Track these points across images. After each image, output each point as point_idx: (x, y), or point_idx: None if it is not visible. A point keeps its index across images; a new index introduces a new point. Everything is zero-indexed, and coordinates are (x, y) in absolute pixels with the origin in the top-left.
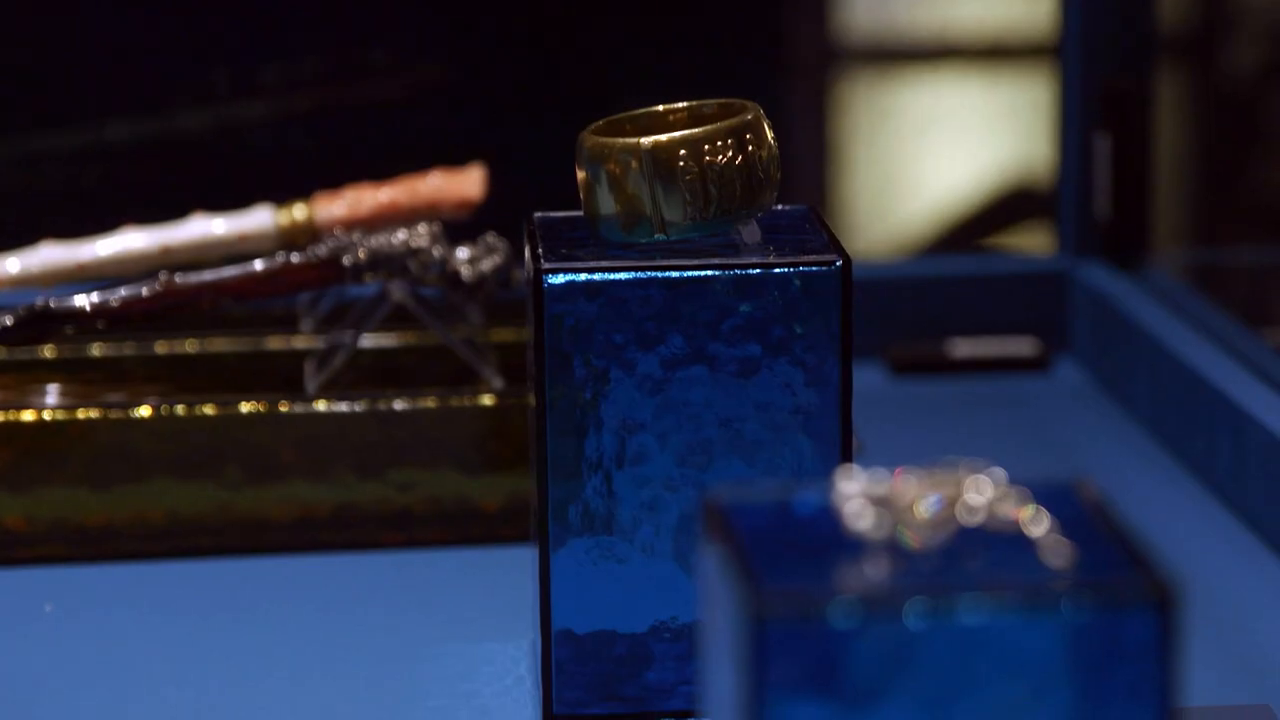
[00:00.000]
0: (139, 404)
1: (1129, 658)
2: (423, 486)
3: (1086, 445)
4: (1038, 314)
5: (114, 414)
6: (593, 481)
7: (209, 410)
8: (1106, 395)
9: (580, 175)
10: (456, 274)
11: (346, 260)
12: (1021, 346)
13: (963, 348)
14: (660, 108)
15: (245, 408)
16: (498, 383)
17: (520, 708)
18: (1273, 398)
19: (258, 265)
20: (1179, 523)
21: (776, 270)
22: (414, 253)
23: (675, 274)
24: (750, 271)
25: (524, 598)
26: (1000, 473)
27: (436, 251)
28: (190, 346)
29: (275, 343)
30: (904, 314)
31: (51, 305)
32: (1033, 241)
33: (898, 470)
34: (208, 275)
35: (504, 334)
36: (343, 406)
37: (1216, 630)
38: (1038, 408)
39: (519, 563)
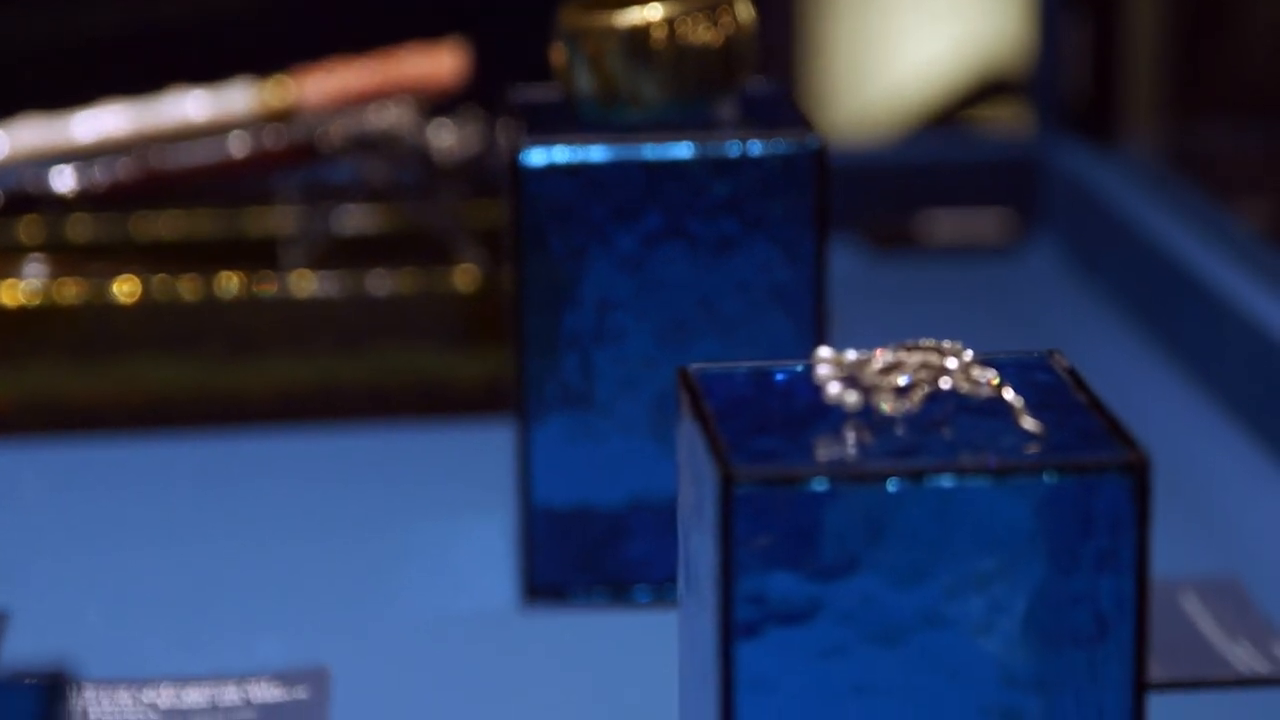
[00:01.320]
0: (119, 283)
1: (1099, 527)
2: (402, 364)
3: (1059, 322)
4: (1011, 193)
5: (94, 294)
6: (571, 358)
7: (188, 289)
8: (1080, 274)
9: (558, 54)
10: (433, 153)
11: (322, 141)
12: (995, 221)
13: (937, 223)
14: None
15: (224, 287)
16: (475, 261)
17: (498, 582)
18: (1245, 275)
19: (235, 147)
20: (1150, 397)
21: (753, 149)
22: (390, 132)
23: (653, 153)
24: (727, 150)
25: (503, 474)
26: (973, 347)
27: (413, 131)
28: (168, 227)
29: (253, 222)
30: (878, 192)
31: (29, 188)
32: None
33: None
34: (185, 157)
35: (482, 213)
36: (321, 285)
37: (1186, 501)
38: (1011, 287)
39: (498, 439)
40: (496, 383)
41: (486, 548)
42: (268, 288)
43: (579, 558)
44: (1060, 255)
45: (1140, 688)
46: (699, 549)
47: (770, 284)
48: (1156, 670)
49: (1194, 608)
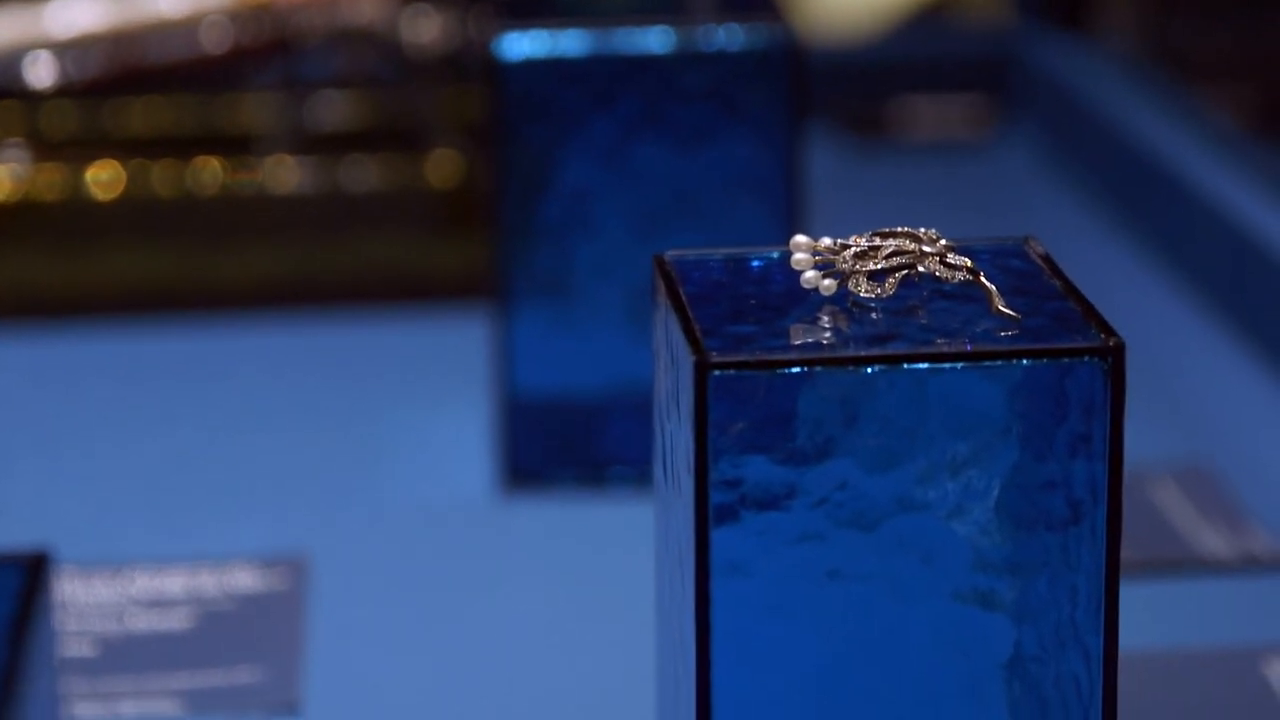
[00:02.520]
0: (96, 175)
1: (1074, 411)
2: (379, 255)
3: (1035, 213)
4: (988, 83)
5: (71, 186)
6: (548, 248)
7: (165, 181)
8: (1055, 166)
9: None
10: (409, 45)
11: (299, 33)
12: (971, 110)
13: (914, 111)
14: None
15: (202, 177)
16: (452, 152)
17: (476, 470)
18: (1219, 166)
19: (211, 40)
20: (1125, 285)
21: (729, 38)
22: (367, 24)
23: (629, 42)
24: (703, 39)
25: (481, 363)
26: (949, 235)
27: (389, 22)
28: (145, 119)
29: (229, 115)
30: (855, 83)
31: (5, 80)
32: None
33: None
34: (161, 50)
35: (458, 103)
36: (298, 177)
37: (1161, 388)
38: (987, 180)
39: (475, 329)
40: (474, 273)
41: (464, 436)
42: (245, 176)
43: (557, 445)
44: (1035, 147)
45: (1113, 572)
46: (675, 435)
47: (746, 173)
48: (1130, 555)
49: (1168, 494)
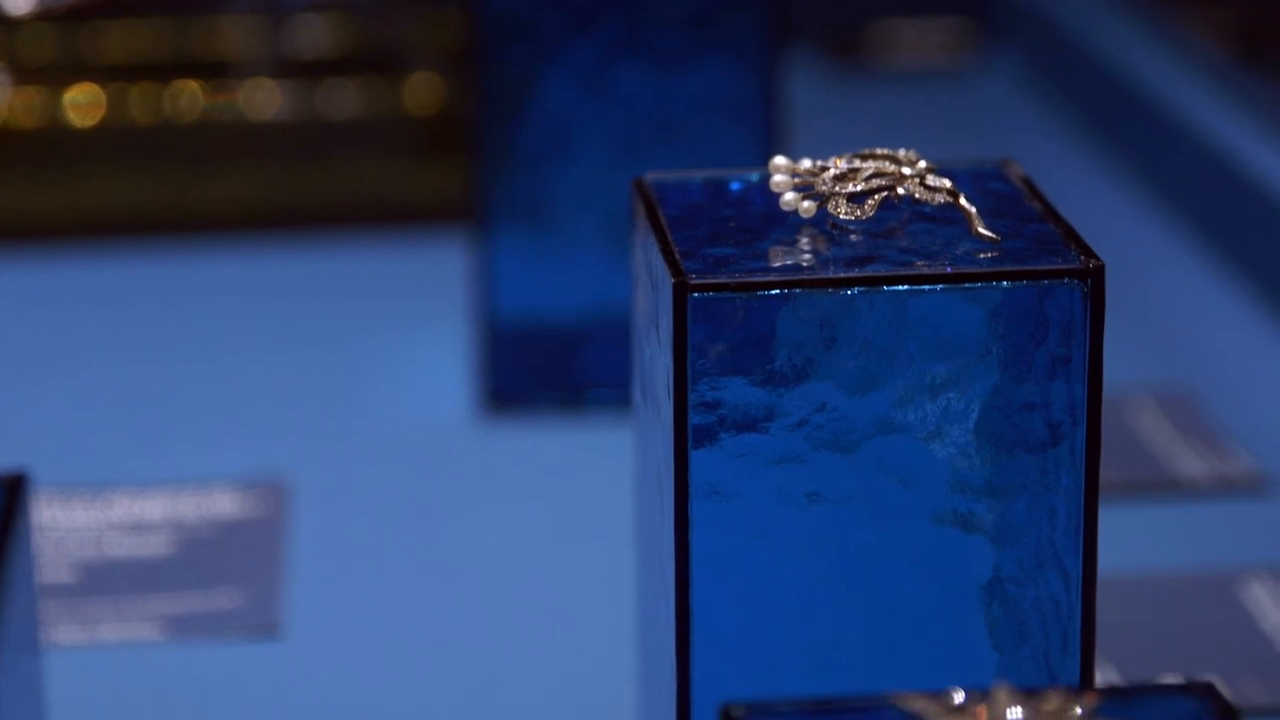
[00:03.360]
0: (75, 101)
1: (1053, 333)
2: (358, 178)
3: (1015, 139)
4: (968, 9)
5: (51, 112)
6: (527, 172)
7: (145, 106)
8: (1035, 91)
9: None
10: None
11: None
12: (952, 33)
13: (894, 34)
14: None
15: (181, 101)
16: (432, 76)
17: (455, 394)
18: (1199, 90)
19: None
20: (1104, 210)
21: None
22: None
23: None
24: None
25: (460, 288)
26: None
27: None
28: (124, 45)
29: (209, 39)
30: (832, 6)
31: None
32: None
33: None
34: None
35: (438, 27)
36: (277, 101)
37: (1142, 312)
38: (967, 103)
39: (454, 254)
40: (453, 198)
41: (443, 361)
42: (224, 98)
43: (536, 369)
44: (1016, 73)
45: (1092, 494)
46: (654, 358)
47: (726, 98)
48: (1109, 477)
49: (1148, 416)
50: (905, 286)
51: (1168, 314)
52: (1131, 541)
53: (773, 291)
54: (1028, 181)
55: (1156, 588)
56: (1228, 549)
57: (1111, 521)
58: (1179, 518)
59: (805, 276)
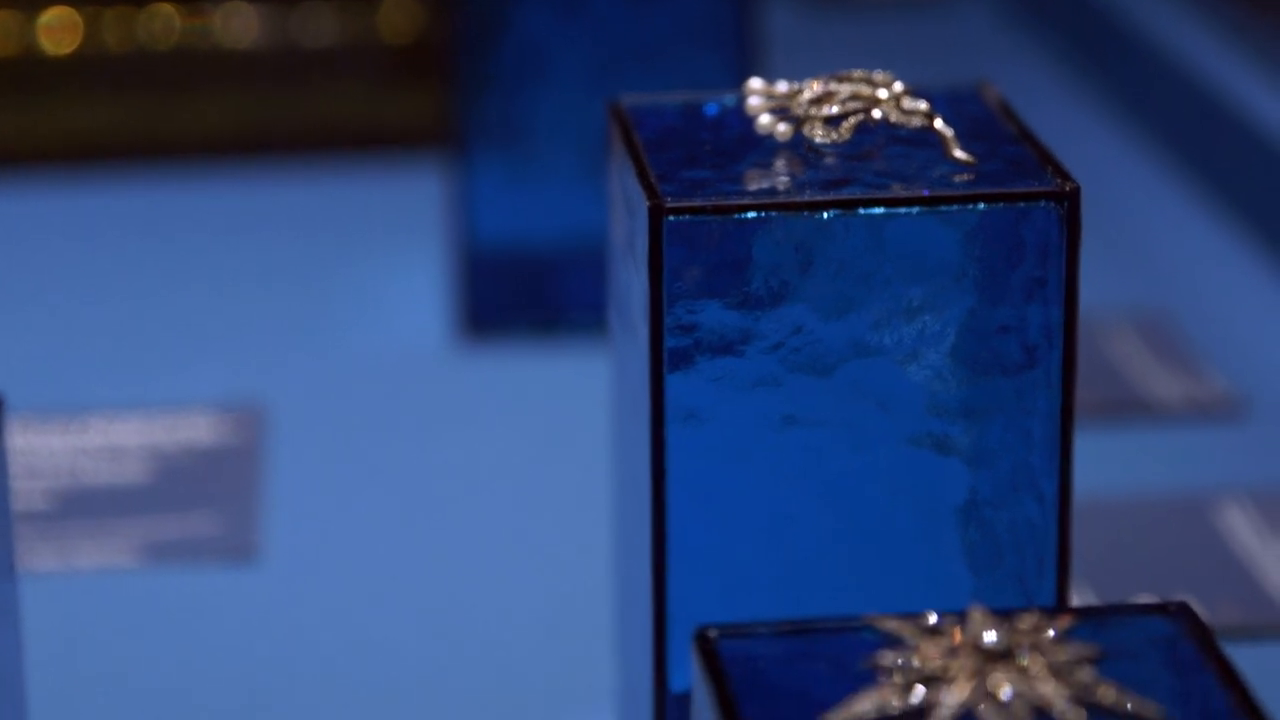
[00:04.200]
0: (49, 24)
1: (1029, 256)
2: (334, 104)
3: (995, 72)
4: None
5: (23, 37)
6: (503, 98)
7: (118, 30)
8: (1017, 26)
9: None
10: None
11: None
12: None
13: None
14: None
15: (154, 27)
16: (409, 1)
17: (432, 319)
18: (1180, 22)
19: None
20: (1084, 139)
21: None
22: None
23: None
24: None
25: (436, 214)
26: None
27: None
28: None
29: None
30: None
31: None
32: None
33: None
34: None
35: None
36: (253, 26)
37: (1118, 235)
38: (947, 36)
39: (431, 180)
40: (429, 124)
41: (421, 286)
42: (199, 23)
43: (513, 294)
44: (997, 5)
45: (1068, 417)
46: (630, 282)
47: (703, 24)
48: (1085, 400)
49: (1124, 339)
50: (881, 209)
51: (1144, 238)
52: (1107, 465)
53: (748, 215)
54: (1004, 105)
55: (1132, 511)
56: (1203, 472)
57: (1087, 445)
58: (1154, 441)
59: (781, 200)
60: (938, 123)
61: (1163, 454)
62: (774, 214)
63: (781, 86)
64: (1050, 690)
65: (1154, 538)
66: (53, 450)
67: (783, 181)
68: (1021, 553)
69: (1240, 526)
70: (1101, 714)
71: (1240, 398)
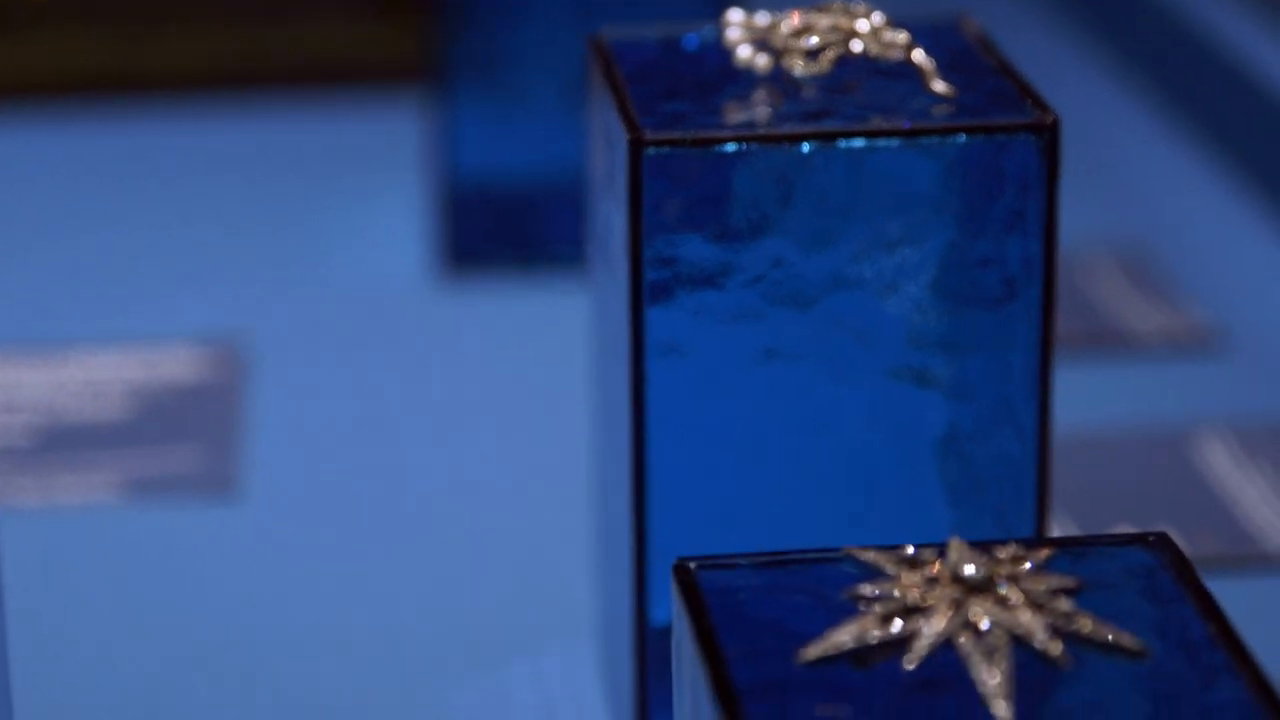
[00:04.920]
0: None
1: (1008, 188)
2: (313, 38)
3: (974, 1)
4: None
5: None
6: (485, 31)
7: None
8: None
9: None
10: None
11: None
12: None
13: None
14: None
15: None
16: None
17: (413, 254)
18: None
19: None
20: (1063, 69)
21: None
22: None
23: None
24: None
25: (418, 149)
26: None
27: None
28: None
29: None
30: None
31: None
32: None
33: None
34: None
35: None
36: None
37: (1098, 167)
38: None
39: (413, 114)
40: (409, 58)
41: (402, 221)
42: None
43: (494, 229)
44: None
45: (1048, 350)
46: (610, 215)
47: None
48: (1065, 332)
49: (1104, 272)
50: (861, 142)
51: (1125, 171)
52: (1086, 398)
53: (728, 147)
54: (983, 38)
55: (1111, 444)
56: (1182, 405)
57: (1066, 377)
58: (1133, 373)
59: (760, 132)
60: (917, 55)
61: (1141, 387)
62: (754, 146)
63: (761, 19)
64: (1029, 621)
65: (1133, 471)
66: (33, 385)
67: (762, 114)
68: (1001, 486)
69: (1219, 459)
70: (1080, 644)
71: (1220, 330)
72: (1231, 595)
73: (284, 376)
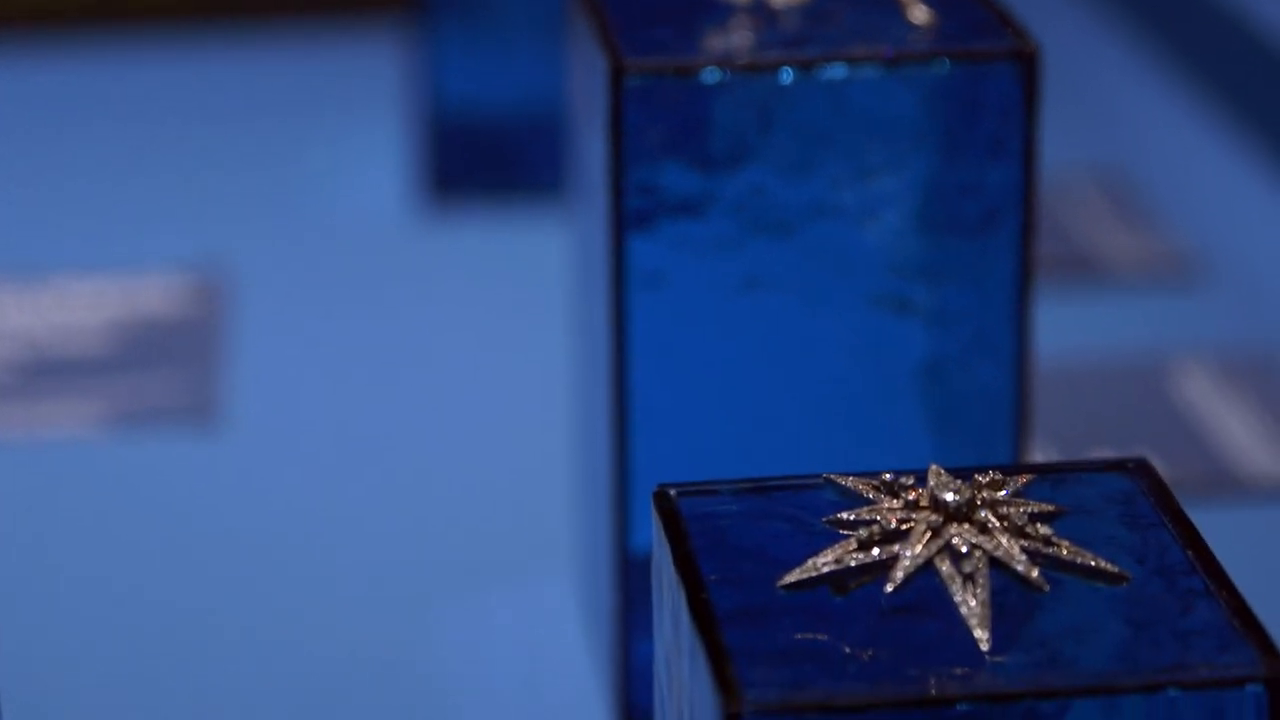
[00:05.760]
0: None
1: (988, 115)
2: None
3: None
4: None
5: None
6: None
7: None
8: None
9: None
10: None
11: None
12: None
13: None
14: None
15: None
16: None
17: (393, 185)
18: None
19: None
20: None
21: None
22: None
23: None
24: None
25: (398, 80)
26: None
27: None
28: None
29: None
30: None
31: None
32: None
33: None
34: None
35: None
36: None
37: (1078, 96)
38: None
39: (393, 45)
40: None
41: (383, 152)
42: None
43: (476, 160)
44: None
45: (1028, 278)
46: (590, 144)
47: None
48: (1045, 261)
49: (1085, 200)
50: (841, 70)
51: (1106, 100)
52: (1066, 327)
53: (708, 76)
54: None
55: (1091, 373)
56: (1163, 333)
57: (1046, 306)
58: (1113, 302)
59: (741, 61)
60: None
61: (1122, 315)
62: (734, 75)
63: None
64: (1009, 546)
65: (1113, 399)
66: (13, 317)
67: (742, 43)
68: (981, 414)
69: (1198, 387)
70: (1059, 569)
71: (1200, 259)
72: (1209, 522)
73: (265, 307)
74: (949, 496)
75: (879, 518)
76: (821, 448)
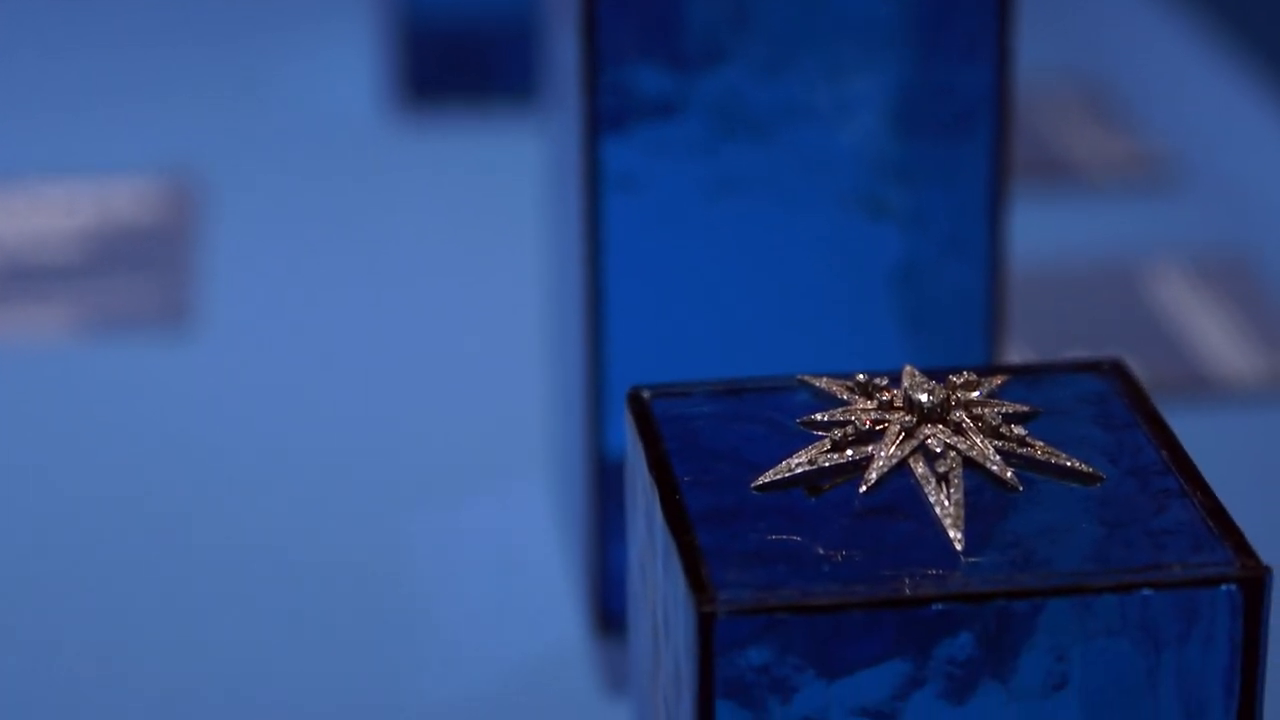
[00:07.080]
0: None
1: (964, 16)
2: None
3: None
4: None
5: None
6: None
7: None
8: None
9: None
10: None
11: None
12: None
13: None
14: None
15: None
16: None
17: (364, 88)
18: None
19: None
20: None
21: None
22: None
23: None
24: None
25: None
26: None
27: None
28: None
29: None
30: None
31: None
32: None
33: None
34: None
35: None
36: None
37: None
38: None
39: None
40: None
41: (354, 55)
42: None
43: (448, 63)
44: None
45: (1003, 180)
46: (563, 45)
47: None
48: (1021, 164)
49: (1060, 103)
50: None
51: (1082, 4)
52: (1041, 230)
53: None
54: None
55: (1066, 276)
56: (1138, 237)
57: (1021, 209)
58: (1089, 206)
59: None
60: None
61: (1097, 218)
62: None
63: None
64: (983, 446)
65: (1088, 302)
66: None
67: None
68: (955, 316)
69: (1174, 289)
70: (1033, 469)
71: (1175, 162)
72: (1183, 423)
73: (238, 211)
74: (923, 397)
75: (853, 419)
76: (795, 349)
